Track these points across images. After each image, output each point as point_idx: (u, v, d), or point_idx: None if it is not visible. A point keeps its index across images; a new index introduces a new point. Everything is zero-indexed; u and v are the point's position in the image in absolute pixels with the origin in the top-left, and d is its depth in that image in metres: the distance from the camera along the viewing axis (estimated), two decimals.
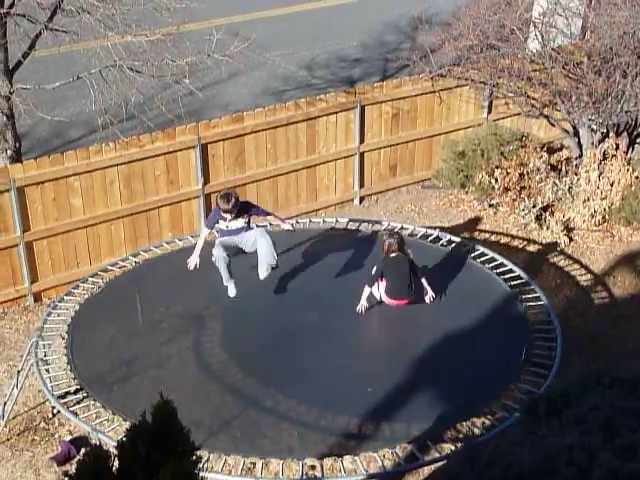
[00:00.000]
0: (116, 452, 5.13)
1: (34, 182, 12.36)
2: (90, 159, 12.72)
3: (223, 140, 13.79)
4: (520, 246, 14.17)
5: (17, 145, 13.41)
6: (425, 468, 9.35)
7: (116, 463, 5.13)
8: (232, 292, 11.10)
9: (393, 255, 10.65)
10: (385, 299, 10.79)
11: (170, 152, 13.35)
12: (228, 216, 10.91)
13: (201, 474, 5.29)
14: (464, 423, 9.22)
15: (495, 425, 8.99)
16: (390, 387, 9.65)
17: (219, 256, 10.87)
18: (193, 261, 11.15)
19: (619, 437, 5.96)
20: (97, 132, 13.33)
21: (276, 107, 14.25)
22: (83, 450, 9.90)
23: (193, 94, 13.75)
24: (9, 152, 13.31)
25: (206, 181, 13.79)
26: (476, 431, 9.08)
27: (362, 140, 15.20)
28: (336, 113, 14.77)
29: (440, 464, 8.95)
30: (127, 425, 8.11)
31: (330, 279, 11.58)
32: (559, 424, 6.07)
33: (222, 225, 11.06)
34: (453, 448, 8.75)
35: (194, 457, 5.15)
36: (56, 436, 10.45)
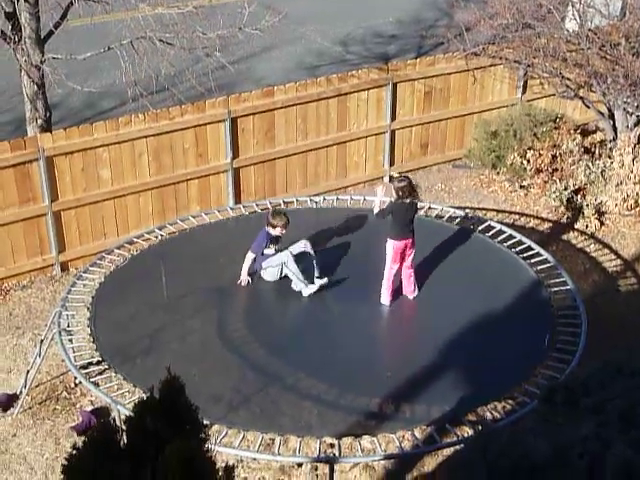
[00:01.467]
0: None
1: (63, 152, 12.40)
2: (119, 130, 12.73)
3: (253, 114, 13.75)
4: (550, 229, 14.04)
5: (47, 115, 13.44)
6: (442, 452, 9.32)
7: (125, 438, 5.14)
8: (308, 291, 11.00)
9: (407, 200, 10.47)
10: (391, 242, 10.61)
11: (200, 125, 13.33)
12: (281, 233, 10.87)
13: (217, 449, 5.27)
14: (484, 407, 9.17)
15: (515, 410, 8.93)
16: (411, 369, 9.61)
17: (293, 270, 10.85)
18: (244, 281, 11.04)
19: (636, 429, 5.88)
20: (128, 104, 13.32)
21: (307, 82, 14.19)
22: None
23: (225, 68, 13.71)
24: (39, 121, 13.35)
25: (235, 155, 13.76)
26: (496, 415, 9.03)
27: (393, 118, 15.11)
28: (368, 90, 14.68)
29: (456, 448, 8.91)
30: None
31: (353, 261, 11.53)
32: (576, 413, 5.99)
33: (268, 251, 10.96)
34: (472, 432, 8.71)
35: (202, 435, 5.12)
36: (77, 406, 10.53)
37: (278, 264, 10.85)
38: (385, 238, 10.62)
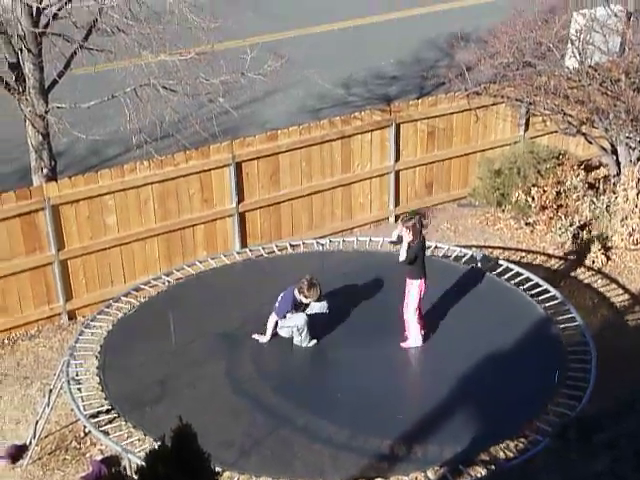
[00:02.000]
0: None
1: (69, 200, 12.46)
2: (124, 177, 12.79)
3: (258, 158, 13.80)
4: (556, 265, 14.03)
5: (52, 164, 13.50)
6: None
7: None
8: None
9: (419, 239, 10.47)
10: (419, 282, 10.57)
11: (204, 170, 13.39)
12: (309, 302, 10.79)
13: None
14: (497, 446, 9.12)
15: (528, 449, 8.87)
16: (422, 410, 9.58)
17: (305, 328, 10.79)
18: (266, 340, 10.86)
19: None
20: (132, 151, 13.38)
21: (311, 125, 14.25)
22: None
23: (228, 113, 13.77)
24: (45, 170, 13.40)
25: (240, 199, 13.79)
26: (508, 454, 8.97)
27: (397, 158, 15.15)
28: (371, 131, 14.74)
29: None
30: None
31: (363, 301, 11.53)
32: (590, 449, 5.94)
33: (289, 314, 10.80)
34: (484, 472, 8.65)
35: None
36: (87, 455, 10.47)
37: (295, 325, 10.75)
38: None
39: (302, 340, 10.71)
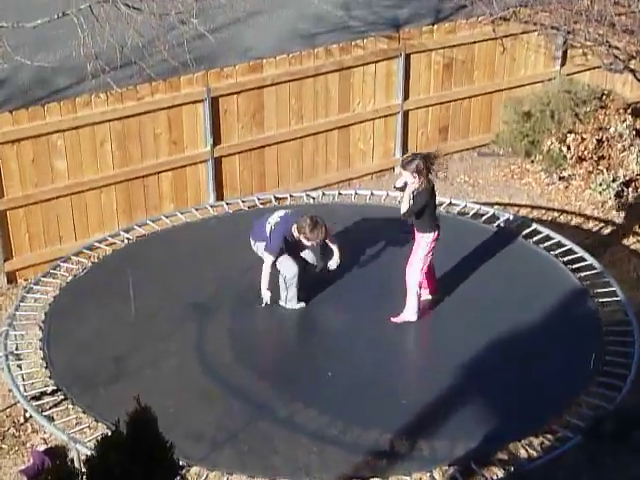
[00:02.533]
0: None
1: (9, 140, 12.42)
2: (77, 113, 12.75)
3: (238, 93, 13.77)
4: (595, 229, 14.07)
5: None
6: None
7: None
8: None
9: (428, 185, 10.22)
10: (429, 235, 10.42)
11: (173, 106, 13.37)
12: (310, 244, 10.70)
13: None
14: (518, 443, 9.18)
15: (555, 447, 8.93)
16: (430, 397, 9.61)
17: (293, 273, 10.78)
18: (267, 298, 10.86)
19: None
20: (87, 81, 13.33)
21: (302, 54, 14.21)
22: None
23: (203, 37, 13.71)
24: None
25: (216, 142, 13.78)
26: (531, 453, 9.03)
27: (406, 96, 15.14)
28: (375, 62, 14.72)
29: None
30: None
31: (359, 268, 11.57)
32: (627, 449, 5.99)
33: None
34: (501, 474, 8.71)
35: (178, 478, 5.14)
36: (28, 445, 10.49)
37: (283, 275, 10.71)
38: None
39: (287, 299, 10.75)
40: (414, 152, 10.68)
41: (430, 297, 10.89)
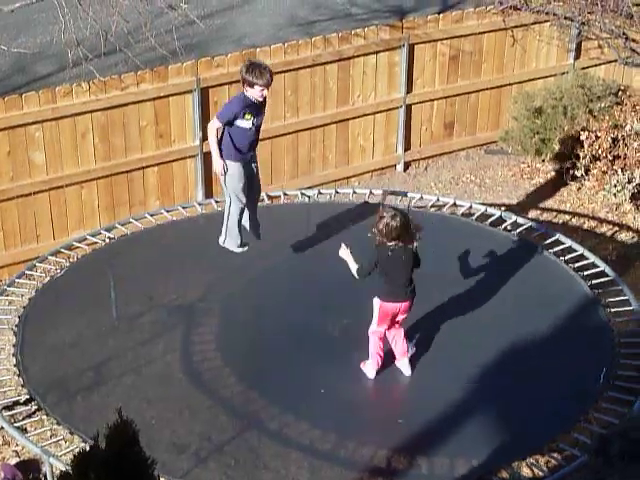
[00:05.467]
0: None
1: None
2: (57, 103, 12.74)
3: (230, 84, 13.75)
4: (609, 233, 14.07)
5: None
6: None
7: None
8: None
9: (391, 244, 9.43)
10: (378, 302, 9.76)
11: (161, 97, 13.38)
12: (262, 96, 10.34)
13: None
14: (522, 461, 9.17)
15: (562, 466, 8.92)
16: (431, 412, 9.57)
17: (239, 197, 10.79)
18: (220, 167, 10.81)
19: None
20: (68, 69, 13.32)
21: (299, 43, 14.22)
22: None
23: (194, 24, 13.73)
24: None
25: (205, 136, 13.75)
26: (537, 472, 9.02)
27: (410, 89, 15.17)
28: (377, 53, 14.74)
29: None
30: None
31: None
32: (637, 470, 5.98)
33: (244, 123, 10.51)
34: None
35: None
36: None
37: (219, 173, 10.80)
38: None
39: (225, 233, 10.96)
40: (400, 210, 9.75)
41: (406, 367, 10.13)
